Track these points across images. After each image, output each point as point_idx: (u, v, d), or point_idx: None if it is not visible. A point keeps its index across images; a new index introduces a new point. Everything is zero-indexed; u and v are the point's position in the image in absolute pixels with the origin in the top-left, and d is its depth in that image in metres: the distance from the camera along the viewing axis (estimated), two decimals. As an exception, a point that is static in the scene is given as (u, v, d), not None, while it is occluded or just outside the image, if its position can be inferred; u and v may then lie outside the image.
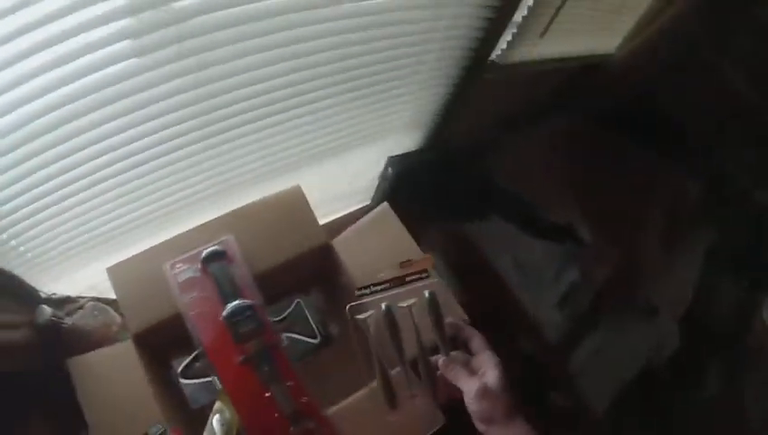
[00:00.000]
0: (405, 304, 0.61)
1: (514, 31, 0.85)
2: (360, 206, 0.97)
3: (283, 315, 0.80)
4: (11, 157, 0.57)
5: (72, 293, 0.88)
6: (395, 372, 0.63)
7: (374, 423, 0.68)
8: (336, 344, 0.82)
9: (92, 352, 0.78)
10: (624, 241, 1.10)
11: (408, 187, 0.89)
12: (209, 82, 0.62)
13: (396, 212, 0.81)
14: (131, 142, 0.65)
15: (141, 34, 0.53)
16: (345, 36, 0.67)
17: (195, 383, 0.81)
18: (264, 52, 0.63)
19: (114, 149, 0.64)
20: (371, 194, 0.95)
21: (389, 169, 0.89)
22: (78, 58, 0.52)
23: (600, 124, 1.12)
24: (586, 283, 1.12)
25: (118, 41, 0.53)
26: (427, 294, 0.61)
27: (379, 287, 0.63)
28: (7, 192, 0.62)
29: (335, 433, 0.71)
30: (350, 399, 0.72)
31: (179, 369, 0.81)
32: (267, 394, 0.71)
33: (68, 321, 0.84)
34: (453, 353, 0.60)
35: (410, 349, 0.62)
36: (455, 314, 0.74)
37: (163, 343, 0.79)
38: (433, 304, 0.60)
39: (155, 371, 0.78)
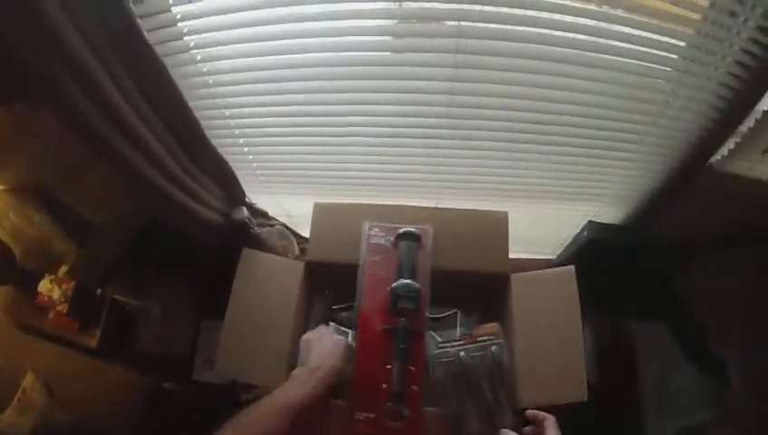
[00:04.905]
0: (476, 354, 0.77)
1: (737, 140, 0.83)
2: (544, 257, 0.99)
3: (437, 316, 0.83)
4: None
5: (270, 212, 1.00)
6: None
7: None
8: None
9: (266, 253, 0.88)
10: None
11: (595, 255, 0.89)
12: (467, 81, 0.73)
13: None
14: (384, 116, 0.73)
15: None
16: (592, 97, 0.75)
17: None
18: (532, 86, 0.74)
19: (368, 115, 0.78)
20: (557, 249, 0.96)
21: (585, 233, 0.89)
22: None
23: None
24: (714, 429, 1.02)
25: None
26: (493, 349, 0.76)
27: (458, 342, 0.79)
28: (260, 110, 0.79)
29: (419, 429, 0.75)
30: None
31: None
32: (389, 366, 0.77)
33: (256, 229, 0.96)
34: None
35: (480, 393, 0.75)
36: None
37: (324, 280, 0.90)
38: (497, 359, 0.76)
39: (307, 296, 0.90)
